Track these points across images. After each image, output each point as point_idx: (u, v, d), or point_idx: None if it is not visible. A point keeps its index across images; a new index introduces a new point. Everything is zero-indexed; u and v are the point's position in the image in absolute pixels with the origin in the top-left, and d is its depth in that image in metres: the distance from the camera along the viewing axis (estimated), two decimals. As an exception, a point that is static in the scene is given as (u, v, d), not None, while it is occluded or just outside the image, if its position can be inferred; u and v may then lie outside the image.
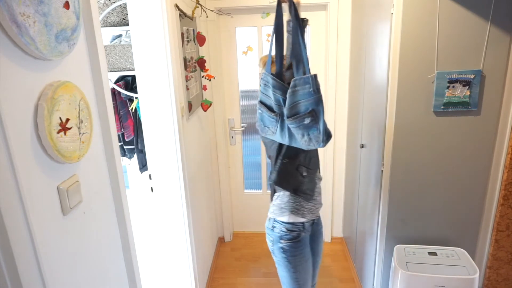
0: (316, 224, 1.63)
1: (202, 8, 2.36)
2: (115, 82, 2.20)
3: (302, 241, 1.52)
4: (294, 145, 1.34)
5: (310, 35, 2.70)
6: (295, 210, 1.49)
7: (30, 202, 0.70)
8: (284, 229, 1.50)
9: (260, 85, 1.36)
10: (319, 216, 1.65)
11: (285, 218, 1.50)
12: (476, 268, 1.69)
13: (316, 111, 1.23)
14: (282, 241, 1.51)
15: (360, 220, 2.38)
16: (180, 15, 1.92)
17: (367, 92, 2.16)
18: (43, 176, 0.76)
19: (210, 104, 2.39)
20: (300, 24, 1.24)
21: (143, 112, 1.83)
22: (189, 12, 2.15)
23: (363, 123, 2.25)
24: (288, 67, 1.33)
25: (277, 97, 1.28)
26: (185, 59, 2.01)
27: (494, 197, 1.80)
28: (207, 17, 2.46)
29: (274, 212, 1.53)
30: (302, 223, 1.51)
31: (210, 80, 2.60)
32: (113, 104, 2.13)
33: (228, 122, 2.90)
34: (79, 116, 0.86)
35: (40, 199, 0.75)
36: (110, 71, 2.28)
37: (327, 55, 2.65)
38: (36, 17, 0.70)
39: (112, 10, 2.19)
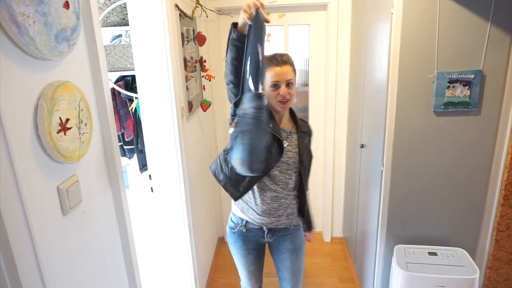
0: (276, 237, 1.57)
1: (202, 8, 2.36)
2: (115, 82, 2.20)
3: (238, 235, 1.58)
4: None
5: (310, 35, 2.70)
6: (236, 202, 1.57)
7: (30, 202, 0.70)
8: (230, 216, 1.63)
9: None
10: (285, 234, 1.57)
11: (232, 207, 1.61)
12: (476, 268, 1.69)
13: None
14: (227, 226, 1.64)
15: (360, 220, 2.38)
16: (180, 15, 1.92)
17: (367, 92, 2.16)
18: (43, 176, 0.76)
19: (210, 104, 2.38)
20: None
21: (143, 112, 1.83)
22: (189, 12, 2.15)
23: (363, 123, 2.25)
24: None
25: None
26: (185, 59, 2.01)
27: (494, 197, 1.80)
28: (207, 17, 2.46)
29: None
30: (242, 219, 1.55)
31: (210, 80, 2.60)
32: (113, 104, 2.14)
33: (228, 122, 2.90)
34: (79, 116, 0.86)
35: (40, 199, 0.75)
36: (110, 71, 2.28)
37: (327, 55, 2.65)
38: (36, 17, 0.70)
39: (112, 10, 2.19)
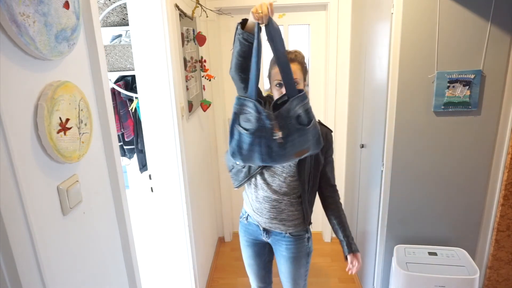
0: (272, 239, 1.55)
1: (202, 8, 2.36)
2: (115, 82, 2.20)
3: (242, 225, 1.63)
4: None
5: (310, 35, 2.70)
6: (244, 194, 1.63)
7: (30, 202, 0.70)
8: None
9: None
10: (280, 239, 1.53)
11: None
12: (476, 268, 1.69)
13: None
14: None
15: (360, 220, 2.38)
16: (180, 15, 1.92)
17: (367, 92, 2.16)
18: (43, 176, 0.76)
19: (210, 104, 2.38)
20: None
21: (143, 112, 1.83)
22: (189, 12, 2.15)
23: (363, 123, 2.25)
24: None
25: None
26: (185, 59, 2.01)
27: (494, 197, 1.80)
28: (207, 17, 2.46)
29: None
30: (246, 211, 1.60)
31: (210, 80, 2.60)
32: (113, 104, 2.14)
33: (228, 122, 2.90)
34: (79, 116, 0.86)
35: (40, 199, 0.75)
36: (110, 71, 2.28)
37: (327, 55, 2.65)
38: (36, 17, 0.70)
39: (112, 10, 2.19)
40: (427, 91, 1.68)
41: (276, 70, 1.32)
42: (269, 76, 1.43)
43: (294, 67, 1.34)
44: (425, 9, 1.59)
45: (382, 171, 1.84)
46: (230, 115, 1.29)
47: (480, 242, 1.88)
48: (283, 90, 1.30)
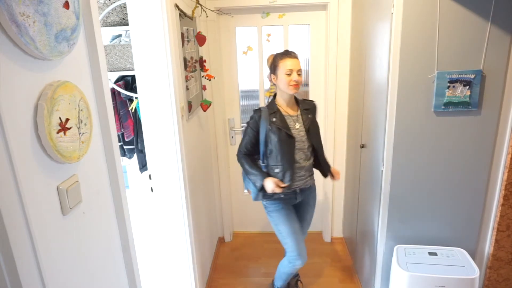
0: (304, 196, 2.04)
1: (202, 8, 2.36)
2: (115, 82, 2.20)
3: (278, 205, 1.98)
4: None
5: (310, 35, 2.70)
6: None
7: (30, 202, 0.70)
8: None
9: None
10: (307, 192, 2.06)
11: None
12: (476, 268, 1.69)
13: None
14: None
15: (360, 220, 2.38)
16: (180, 15, 1.92)
17: (367, 92, 2.16)
18: (42, 176, 0.76)
19: (210, 104, 2.38)
20: None
21: (143, 112, 1.83)
22: (189, 12, 2.15)
23: (363, 123, 2.25)
24: None
25: None
26: (185, 59, 2.01)
27: (494, 197, 1.80)
28: (207, 17, 2.46)
29: None
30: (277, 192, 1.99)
31: (210, 80, 2.60)
32: (113, 104, 2.14)
33: (228, 122, 2.90)
34: (78, 116, 0.86)
35: (40, 199, 0.75)
36: (110, 71, 2.28)
37: (327, 55, 2.65)
38: (36, 17, 0.70)
39: (112, 9, 2.19)
40: (427, 91, 1.68)
41: (284, 61, 1.78)
42: (275, 68, 1.82)
43: (298, 62, 1.82)
44: (425, 9, 1.59)
45: (382, 171, 1.84)
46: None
47: (480, 242, 1.88)
48: (293, 77, 1.78)
